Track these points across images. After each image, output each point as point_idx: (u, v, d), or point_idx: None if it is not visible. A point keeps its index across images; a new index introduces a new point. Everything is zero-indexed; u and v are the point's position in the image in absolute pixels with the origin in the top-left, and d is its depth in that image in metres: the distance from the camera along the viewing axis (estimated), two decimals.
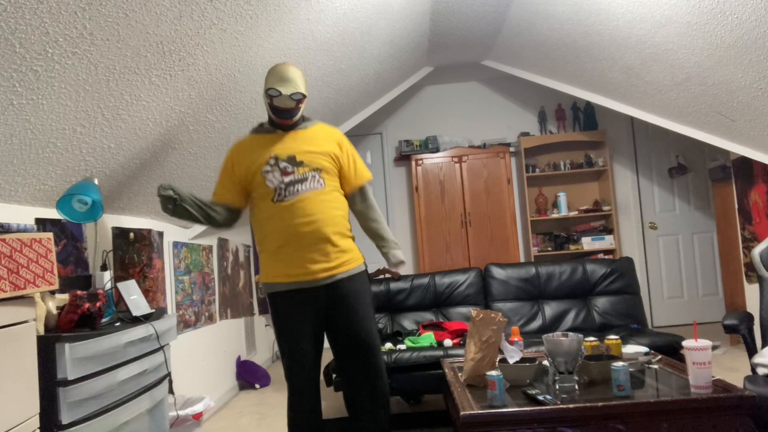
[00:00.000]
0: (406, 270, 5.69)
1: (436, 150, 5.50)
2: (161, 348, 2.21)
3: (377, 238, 2.42)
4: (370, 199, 2.42)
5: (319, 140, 2.29)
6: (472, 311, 2.30)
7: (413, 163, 5.49)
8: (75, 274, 2.34)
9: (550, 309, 3.71)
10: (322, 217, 2.19)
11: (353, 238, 2.35)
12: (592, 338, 2.52)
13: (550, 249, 5.45)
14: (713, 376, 1.96)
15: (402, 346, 3.22)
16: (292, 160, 2.22)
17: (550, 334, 2.17)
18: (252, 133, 2.35)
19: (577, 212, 5.49)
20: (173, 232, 3.41)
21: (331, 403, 3.77)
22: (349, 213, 2.39)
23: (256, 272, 5.14)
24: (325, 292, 2.22)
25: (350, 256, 2.28)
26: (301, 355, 2.21)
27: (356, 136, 5.89)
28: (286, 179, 2.20)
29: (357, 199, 2.40)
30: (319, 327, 2.26)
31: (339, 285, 2.23)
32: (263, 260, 2.30)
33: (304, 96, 2.23)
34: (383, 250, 2.42)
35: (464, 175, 5.42)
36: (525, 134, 5.57)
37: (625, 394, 1.94)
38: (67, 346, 1.67)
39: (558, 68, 4.32)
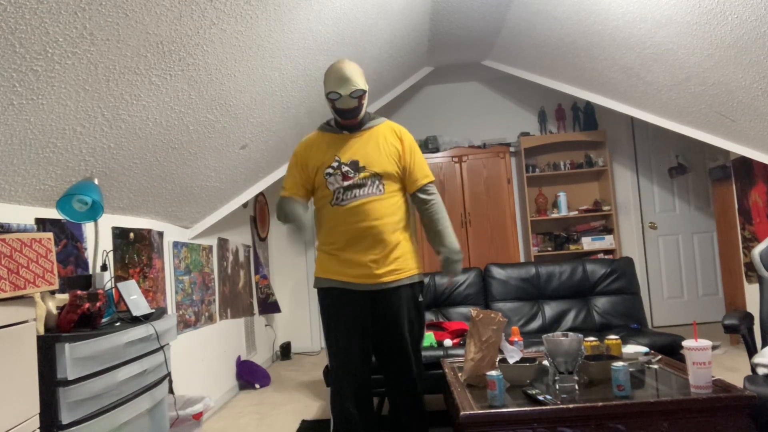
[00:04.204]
0: None
1: (436, 150, 5.50)
2: (161, 348, 2.21)
3: (435, 243, 2.36)
4: (430, 200, 2.35)
5: (383, 141, 2.29)
6: (472, 311, 2.30)
7: None
8: (75, 274, 2.34)
9: (550, 309, 3.71)
10: (377, 223, 2.20)
11: (413, 244, 2.33)
12: (592, 338, 2.52)
13: (550, 249, 5.45)
14: (713, 376, 1.96)
15: None
16: (354, 165, 2.23)
17: (550, 334, 2.16)
18: (319, 130, 2.36)
19: (577, 212, 5.49)
20: (173, 232, 3.41)
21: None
22: (412, 217, 2.38)
23: (257, 272, 5.14)
24: (371, 297, 2.24)
25: (402, 265, 2.27)
26: (346, 352, 2.24)
27: None
28: (345, 183, 2.22)
29: (418, 200, 2.36)
30: (365, 328, 2.27)
31: (385, 293, 2.24)
32: (320, 256, 2.33)
33: (365, 91, 2.21)
34: (441, 255, 2.34)
35: (464, 175, 5.42)
36: (525, 134, 5.56)
37: (625, 394, 1.94)
38: (67, 346, 1.67)
39: (558, 68, 4.32)
